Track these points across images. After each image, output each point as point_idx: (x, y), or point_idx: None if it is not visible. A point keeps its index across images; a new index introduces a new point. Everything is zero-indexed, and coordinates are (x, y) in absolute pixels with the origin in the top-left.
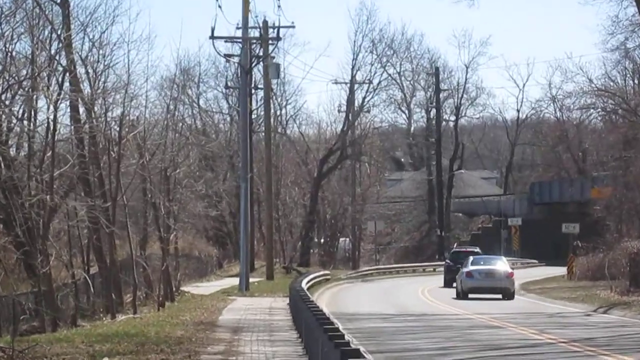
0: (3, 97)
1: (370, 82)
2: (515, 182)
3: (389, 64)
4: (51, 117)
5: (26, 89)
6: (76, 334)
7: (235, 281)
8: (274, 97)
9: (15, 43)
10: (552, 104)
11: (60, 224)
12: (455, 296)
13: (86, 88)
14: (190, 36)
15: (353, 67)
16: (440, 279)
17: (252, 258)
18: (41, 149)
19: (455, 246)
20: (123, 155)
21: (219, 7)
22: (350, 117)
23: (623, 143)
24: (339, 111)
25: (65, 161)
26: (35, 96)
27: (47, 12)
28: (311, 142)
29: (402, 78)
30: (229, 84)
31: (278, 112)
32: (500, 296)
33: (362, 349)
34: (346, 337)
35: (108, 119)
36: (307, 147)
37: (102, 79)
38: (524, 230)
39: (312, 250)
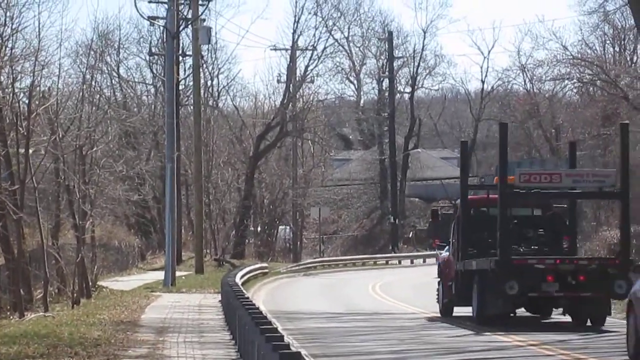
0: None
1: (314, 48)
2: (479, 163)
3: (335, 27)
4: None
5: None
6: None
7: (160, 275)
8: (205, 66)
9: None
10: (521, 74)
11: None
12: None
13: None
14: None
15: (294, 32)
16: (393, 273)
17: (179, 249)
18: None
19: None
20: (33, 131)
21: None
22: (291, 89)
23: (602, 118)
24: (278, 81)
25: None
26: None
27: None
28: (247, 116)
29: (351, 44)
30: (153, 50)
31: (209, 83)
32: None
33: (303, 352)
34: (286, 338)
35: (16, 90)
36: (242, 122)
37: (9, 45)
38: None
39: (247, 240)
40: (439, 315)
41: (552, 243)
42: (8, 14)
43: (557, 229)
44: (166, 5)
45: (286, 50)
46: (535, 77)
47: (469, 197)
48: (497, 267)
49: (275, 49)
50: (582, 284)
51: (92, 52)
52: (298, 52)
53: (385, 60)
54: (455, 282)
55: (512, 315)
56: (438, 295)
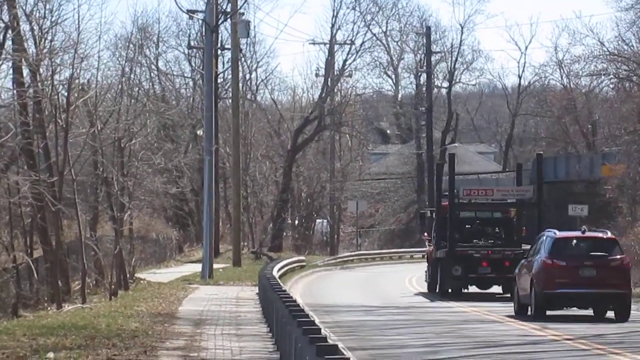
0: None
1: (353, 42)
2: (516, 158)
3: (373, 22)
4: None
5: None
6: (18, 325)
7: (198, 267)
8: (243, 59)
9: None
10: (558, 70)
11: (0, 201)
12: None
13: (31, 47)
14: None
15: (333, 26)
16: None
17: (216, 241)
18: None
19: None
20: (72, 123)
21: None
22: (329, 83)
23: (638, 115)
24: (316, 75)
25: (6, 130)
26: None
27: None
28: (285, 110)
29: (389, 39)
30: (192, 43)
31: (247, 76)
32: (495, 288)
33: (340, 345)
34: (323, 331)
35: (55, 83)
36: (280, 115)
37: (49, 37)
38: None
39: (285, 233)
40: (475, 308)
41: (505, 238)
42: (48, 6)
43: (509, 227)
44: None
45: (324, 44)
46: (572, 73)
47: (442, 204)
48: (446, 256)
49: (314, 43)
50: (508, 268)
51: (131, 45)
52: (336, 47)
53: (423, 55)
54: (431, 267)
55: (464, 290)
56: (425, 276)
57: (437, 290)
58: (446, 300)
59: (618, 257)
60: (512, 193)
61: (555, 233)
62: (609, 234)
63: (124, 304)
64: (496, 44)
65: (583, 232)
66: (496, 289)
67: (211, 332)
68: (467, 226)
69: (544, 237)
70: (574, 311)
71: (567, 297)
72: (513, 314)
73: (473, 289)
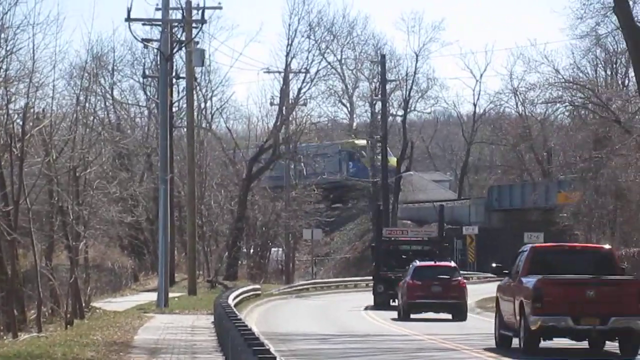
0: None
1: (307, 71)
2: (471, 186)
3: (328, 50)
4: None
5: None
6: None
7: (153, 296)
8: (198, 88)
9: None
10: (513, 97)
11: None
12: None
13: None
14: (104, 18)
15: (287, 55)
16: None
17: (172, 270)
18: None
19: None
20: (27, 152)
21: None
22: (284, 111)
23: (593, 142)
24: (271, 104)
25: None
26: None
27: None
28: (240, 138)
29: (344, 67)
30: (147, 72)
31: (202, 105)
32: (450, 315)
33: None
34: None
35: (10, 112)
36: (235, 144)
37: (4, 67)
38: (481, 240)
39: (240, 262)
40: (432, 337)
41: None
42: (2, 35)
43: (431, 257)
44: (160, 28)
45: (279, 73)
46: (527, 100)
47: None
48: (374, 278)
49: (269, 72)
50: None
51: (86, 74)
52: (291, 75)
53: (378, 83)
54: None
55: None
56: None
57: (373, 304)
58: (402, 328)
59: (457, 279)
60: (422, 232)
61: (417, 262)
62: (453, 263)
63: (80, 332)
64: (451, 72)
65: (435, 262)
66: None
67: None
68: (403, 256)
69: (411, 266)
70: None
71: (422, 305)
72: (469, 343)
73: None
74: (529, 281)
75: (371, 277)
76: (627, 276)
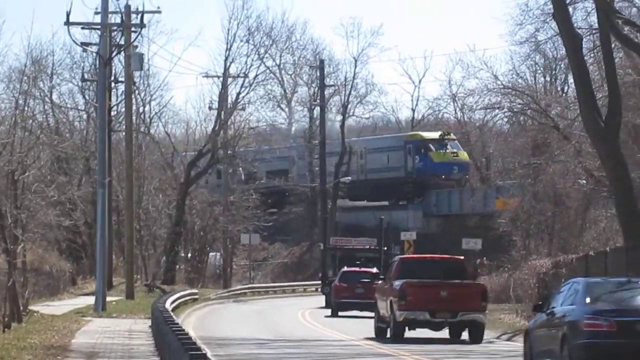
0: None
1: (246, 75)
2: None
3: (267, 55)
4: None
5: None
6: None
7: (91, 300)
8: (137, 92)
9: None
10: (452, 103)
11: None
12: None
13: None
14: (43, 22)
15: (226, 59)
16: (322, 300)
17: (110, 274)
18: None
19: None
20: None
21: None
22: (222, 116)
23: (532, 148)
24: (210, 108)
25: None
26: None
27: None
28: (178, 143)
29: (283, 72)
30: (86, 76)
31: (141, 109)
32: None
33: None
34: None
35: None
36: (173, 148)
37: None
38: (419, 245)
39: (178, 266)
40: (367, 342)
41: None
42: None
43: (374, 262)
44: (99, 32)
45: (218, 77)
46: (465, 106)
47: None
48: (322, 284)
49: (207, 76)
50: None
51: (25, 78)
52: (230, 80)
53: (317, 88)
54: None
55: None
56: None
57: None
58: (339, 333)
59: (377, 282)
60: (362, 242)
61: (345, 268)
62: (375, 270)
63: (17, 336)
64: (390, 78)
65: (360, 267)
66: None
67: None
68: (357, 262)
69: (340, 271)
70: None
71: (348, 304)
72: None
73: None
74: (397, 284)
75: (315, 282)
76: (473, 281)
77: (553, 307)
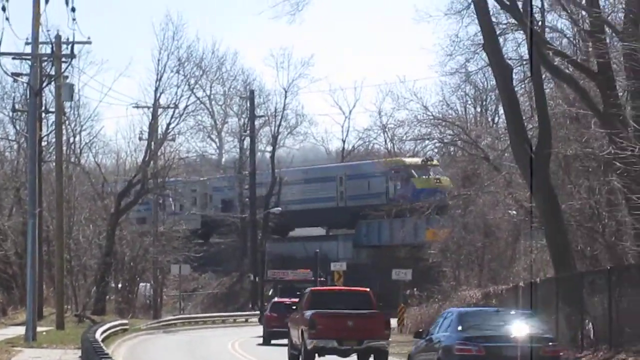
0: None
1: (176, 106)
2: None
3: (197, 86)
4: None
5: None
6: None
7: (22, 330)
8: (67, 122)
9: None
10: (382, 134)
11: None
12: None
13: None
14: None
15: (157, 89)
16: (254, 331)
17: (40, 304)
18: None
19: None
20: None
21: (7, 19)
22: (152, 146)
23: (462, 179)
24: (140, 139)
25: None
26: None
27: None
28: (108, 173)
29: (213, 102)
30: (16, 106)
31: (71, 139)
32: None
33: None
34: None
35: None
36: (103, 179)
37: None
38: (349, 276)
39: (108, 297)
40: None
41: None
42: None
43: None
44: (30, 62)
45: (148, 108)
46: (396, 137)
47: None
48: (260, 315)
49: (138, 107)
50: None
51: None
52: (160, 110)
53: (247, 119)
54: None
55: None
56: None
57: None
58: None
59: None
60: (298, 274)
61: (275, 299)
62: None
63: None
64: (320, 108)
65: (289, 299)
66: None
67: None
68: (297, 292)
69: (270, 301)
70: None
71: (278, 333)
72: None
73: None
74: (307, 314)
75: (245, 312)
76: (378, 311)
77: (431, 335)
